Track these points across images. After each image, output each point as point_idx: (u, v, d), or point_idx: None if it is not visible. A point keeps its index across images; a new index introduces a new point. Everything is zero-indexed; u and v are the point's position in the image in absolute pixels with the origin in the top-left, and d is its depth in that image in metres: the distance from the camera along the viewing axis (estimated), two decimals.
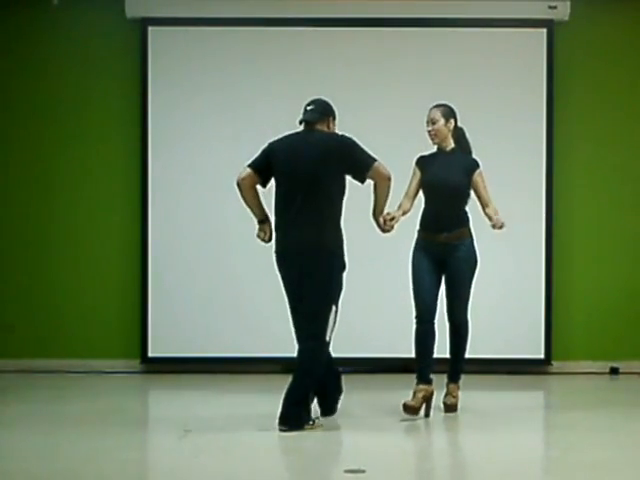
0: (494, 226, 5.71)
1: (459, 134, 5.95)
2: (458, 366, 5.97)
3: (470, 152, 5.97)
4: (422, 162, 5.93)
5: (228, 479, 4.39)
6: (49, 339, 7.71)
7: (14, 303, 7.75)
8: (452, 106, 5.90)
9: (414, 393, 5.69)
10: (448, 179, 5.78)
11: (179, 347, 7.60)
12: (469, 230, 5.85)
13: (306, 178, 5.37)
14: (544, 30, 7.62)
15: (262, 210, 5.61)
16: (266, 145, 5.60)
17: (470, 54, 7.63)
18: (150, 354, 7.63)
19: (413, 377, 5.78)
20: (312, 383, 5.43)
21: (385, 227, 5.65)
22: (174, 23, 7.64)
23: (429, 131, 5.85)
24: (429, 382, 5.73)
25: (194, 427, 5.41)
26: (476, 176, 5.83)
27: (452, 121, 5.86)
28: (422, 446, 5.34)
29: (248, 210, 5.62)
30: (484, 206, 5.83)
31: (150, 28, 7.62)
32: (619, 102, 7.77)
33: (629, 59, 7.79)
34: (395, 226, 5.67)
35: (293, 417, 5.29)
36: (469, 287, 5.85)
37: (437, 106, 5.89)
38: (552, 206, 7.65)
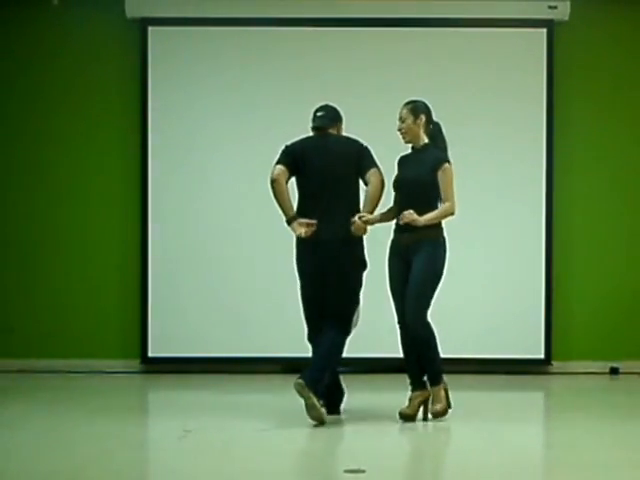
0: (400, 218, 5.50)
1: (435, 130, 5.71)
2: (430, 369, 5.62)
3: (445, 148, 5.70)
4: (399, 162, 5.80)
5: (228, 479, 4.39)
6: (50, 339, 7.71)
7: (15, 304, 7.76)
8: (424, 101, 5.69)
9: (410, 400, 5.66)
10: (411, 177, 5.60)
11: (179, 347, 7.61)
12: (436, 232, 5.55)
13: (332, 178, 5.58)
14: (544, 30, 7.63)
15: (292, 207, 5.62)
16: (284, 147, 5.67)
17: (470, 54, 7.63)
18: (150, 354, 7.64)
19: None
20: (332, 363, 5.56)
21: (357, 224, 5.49)
22: (174, 23, 7.65)
23: (399, 129, 5.68)
24: (424, 387, 5.66)
25: (194, 427, 5.41)
26: (440, 172, 5.55)
27: (422, 117, 5.63)
28: (422, 446, 5.33)
29: (279, 209, 5.58)
30: (442, 203, 5.58)
31: (150, 28, 7.63)
32: (619, 102, 7.77)
33: (629, 59, 7.80)
34: (368, 229, 5.57)
35: (313, 377, 5.36)
36: (427, 289, 5.52)
37: (406, 103, 5.69)
38: (552, 206, 7.64)
